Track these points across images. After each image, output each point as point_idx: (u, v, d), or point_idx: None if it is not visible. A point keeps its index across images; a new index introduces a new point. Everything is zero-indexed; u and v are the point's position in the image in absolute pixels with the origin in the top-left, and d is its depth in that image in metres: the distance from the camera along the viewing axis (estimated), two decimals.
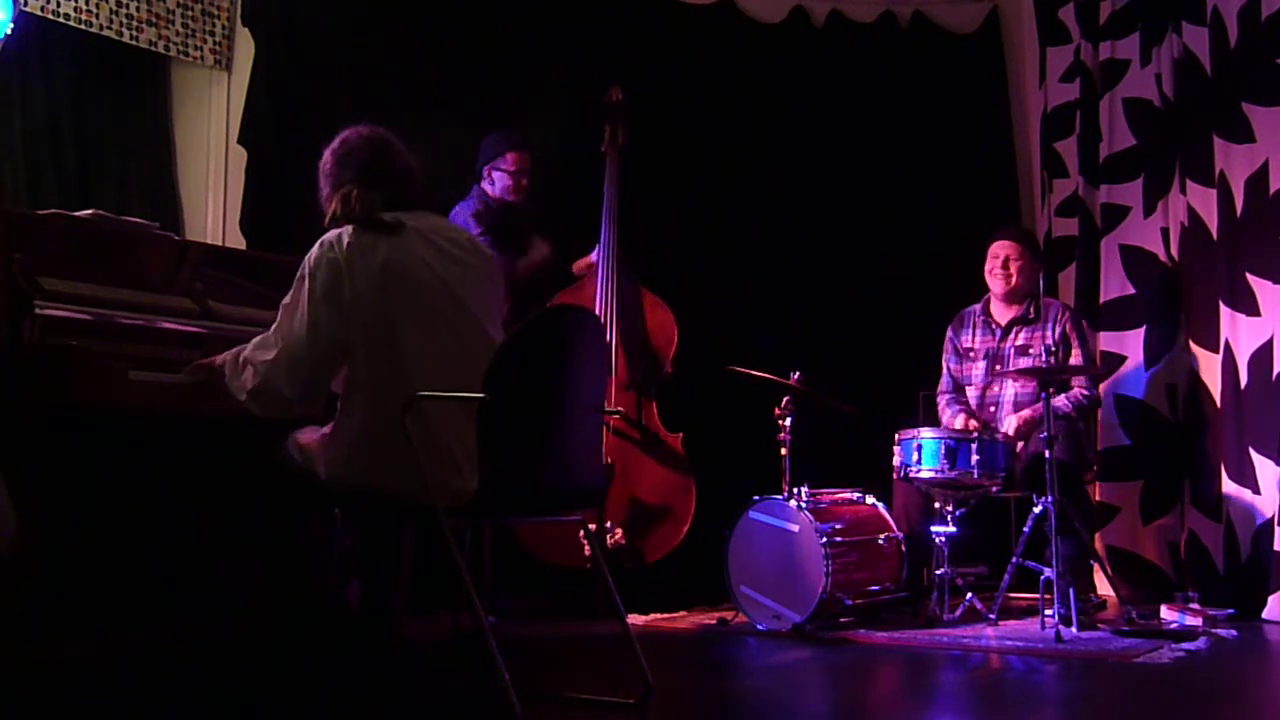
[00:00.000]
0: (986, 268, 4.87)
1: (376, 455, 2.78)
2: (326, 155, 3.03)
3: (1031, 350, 4.71)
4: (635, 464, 4.75)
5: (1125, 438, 5.27)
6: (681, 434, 4.82)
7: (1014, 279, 4.80)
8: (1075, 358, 4.74)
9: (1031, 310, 4.83)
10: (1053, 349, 4.60)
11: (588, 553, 4.47)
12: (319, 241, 2.87)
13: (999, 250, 4.84)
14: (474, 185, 4.76)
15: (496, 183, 4.74)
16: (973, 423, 4.72)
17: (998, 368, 4.84)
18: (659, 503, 4.75)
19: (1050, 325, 4.76)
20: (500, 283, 3.14)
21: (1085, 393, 4.70)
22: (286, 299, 2.87)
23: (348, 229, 2.85)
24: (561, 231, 4.97)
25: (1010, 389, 4.81)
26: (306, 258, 2.86)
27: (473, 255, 3.02)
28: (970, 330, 4.96)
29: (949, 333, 5.01)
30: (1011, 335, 4.83)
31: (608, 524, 4.58)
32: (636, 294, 4.90)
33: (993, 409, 4.84)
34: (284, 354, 2.84)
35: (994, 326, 4.89)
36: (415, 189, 3.02)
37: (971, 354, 4.93)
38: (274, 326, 2.89)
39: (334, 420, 2.91)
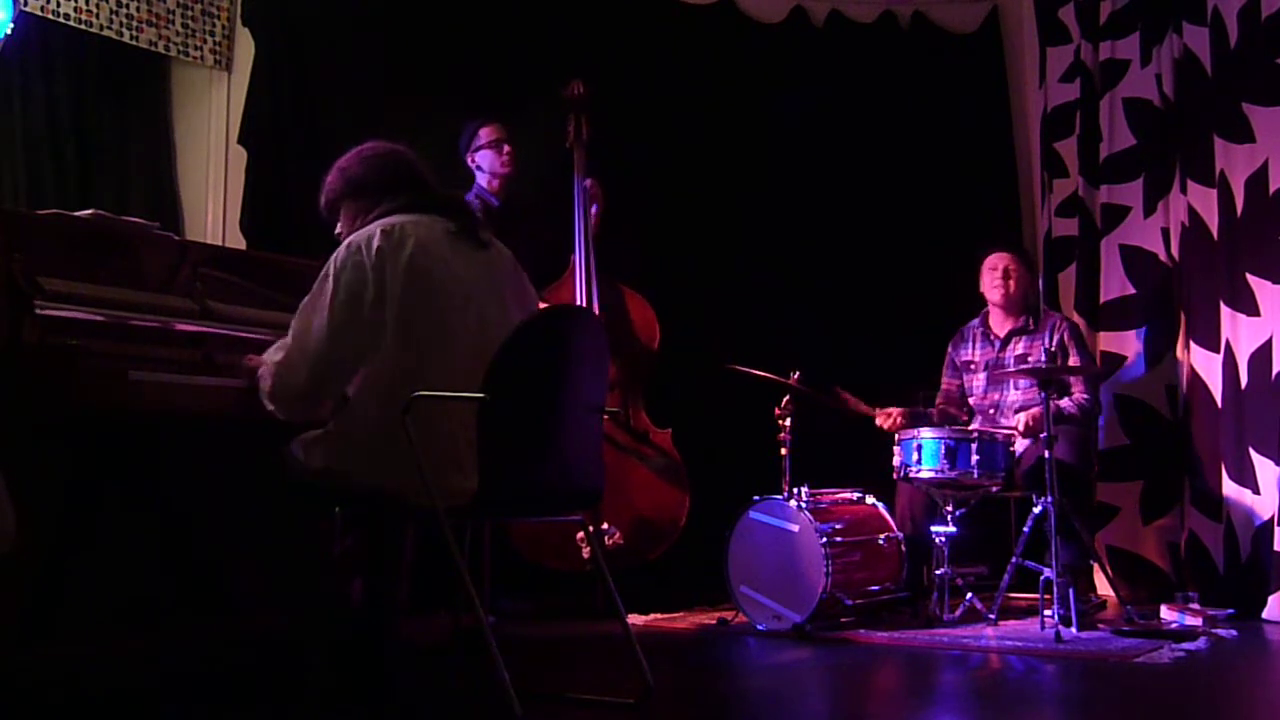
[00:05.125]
0: (984, 280, 4.94)
1: (380, 449, 2.77)
2: (333, 173, 3.05)
3: (1030, 359, 4.72)
4: (626, 464, 4.72)
5: (1125, 438, 5.27)
6: (670, 430, 4.80)
7: (1013, 289, 4.88)
8: (1074, 363, 4.75)
9: (1030, 321, 4.88)
10: (1052, 354, 4.60)
11: (586, 555, 4.46)
12: (346, 243, 2.87)
13: (996, 262, 4.91)
14: (471, 187, 4.75)
15: (485, 166, 4.72)
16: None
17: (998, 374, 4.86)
18: (653, 501, 4.73)
19: (1048, 335, 4.80)
20: (526, 282, 3.12)
21: (1086, 397, 4.71)
22: (306, 300, 2.87)
23: (377, 232, 2.84)
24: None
25: (1011, 394, 4.83)
26: (333, 257, 2.85)
27: (496, 258, 3.02)
28: (970, 344, 5.01)
29: (949, 349, 5.07)
30: (1011, 345, 4.87)
31: (605, 525, 4.58)
32: (616, 291, 4.86)
33: (992, 412, 4.86)
34: (295, 350, 2.85)
35: (993, 338, 4.93)
36: (432, 193, 3.02)
37: (972, 366, 4.98)
38: (291, 328, 2.89)
39: (341, 411, 2.90)
